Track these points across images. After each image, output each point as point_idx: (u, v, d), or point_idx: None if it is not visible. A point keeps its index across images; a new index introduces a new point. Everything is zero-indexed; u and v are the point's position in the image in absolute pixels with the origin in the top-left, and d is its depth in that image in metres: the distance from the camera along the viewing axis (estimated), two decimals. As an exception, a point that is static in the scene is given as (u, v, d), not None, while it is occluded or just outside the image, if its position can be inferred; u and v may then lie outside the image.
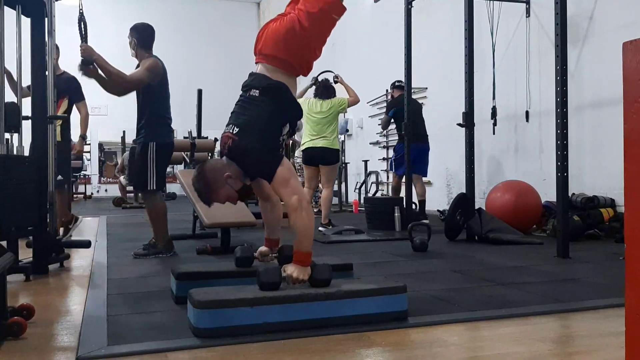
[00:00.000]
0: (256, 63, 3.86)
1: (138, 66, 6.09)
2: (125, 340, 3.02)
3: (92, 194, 21.15)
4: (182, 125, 21.00)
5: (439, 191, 11.43)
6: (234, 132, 3.54)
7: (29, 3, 5.12)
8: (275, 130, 3.64)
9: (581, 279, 4.70)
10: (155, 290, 4.36)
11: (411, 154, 8.85)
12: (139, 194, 13.02)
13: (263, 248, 4.10)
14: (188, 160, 8.54)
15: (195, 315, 3.09)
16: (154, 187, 6.02)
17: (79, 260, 5.79)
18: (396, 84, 10.11)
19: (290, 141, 11.61)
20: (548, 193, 8.10)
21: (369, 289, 3.36)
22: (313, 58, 3.84)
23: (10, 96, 4.95)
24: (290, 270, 3.40)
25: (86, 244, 5.67)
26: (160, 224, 6.12)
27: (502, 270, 5.11)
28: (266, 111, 3.58)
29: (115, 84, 5.68)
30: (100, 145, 22.63)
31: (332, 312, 3.22)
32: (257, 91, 3.64)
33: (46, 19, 5.30)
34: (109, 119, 21.00)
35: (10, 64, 5.35)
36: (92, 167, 22.03)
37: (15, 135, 4.88)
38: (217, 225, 6.16)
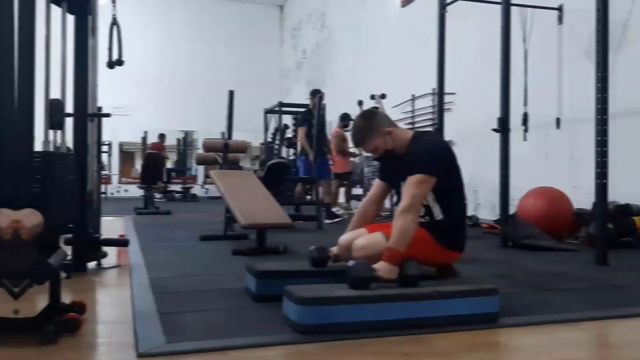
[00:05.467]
0: None
1: None
2: (184, 338, 3.02)
3: (112, 193, 21.16)
4: (206, 125, 21.14)
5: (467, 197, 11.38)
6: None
7: (74, 0, 5.13)
8: None
9: (627, 286, 4.66)
10: (199, 289, 4.37)
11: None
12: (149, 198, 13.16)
13: (336, 249, 4.12)
14: (221, 161, 8.55)
15: (297, 311, 3.12)
16: None
17: (115, 259, 5.75)
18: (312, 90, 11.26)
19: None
20: (579, 200, 8.06)
21: (463, 290, 3.40)
22: None
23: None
24: (380, 267, 3.41)
25: (125, 243, 5.67)
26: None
27: (544, 276, 5.08)
28: None
29: None
30: (121, 146, 22.62)
31: (427, 312, 3.24)
32: None
33: (90, 17, 5.32)
34: (131, 120, 21.02)
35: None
36: (112, 167, 22.02)
37: (59, 132, 4.90)
38: (253, 225, 6.13)
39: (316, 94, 10.54)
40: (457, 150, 10.13)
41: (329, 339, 3.00)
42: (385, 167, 4.30)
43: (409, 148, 3.96)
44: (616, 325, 3.54)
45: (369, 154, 4.55)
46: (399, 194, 4.11)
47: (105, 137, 21.31)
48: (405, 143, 3.98)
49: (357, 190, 13.98)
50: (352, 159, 12.84)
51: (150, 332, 3.12)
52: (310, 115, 10.63)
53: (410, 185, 3.72)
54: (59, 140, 4.87)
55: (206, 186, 21.24)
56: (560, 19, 9.07)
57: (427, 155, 3.84)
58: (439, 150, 3.97)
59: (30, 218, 3.10)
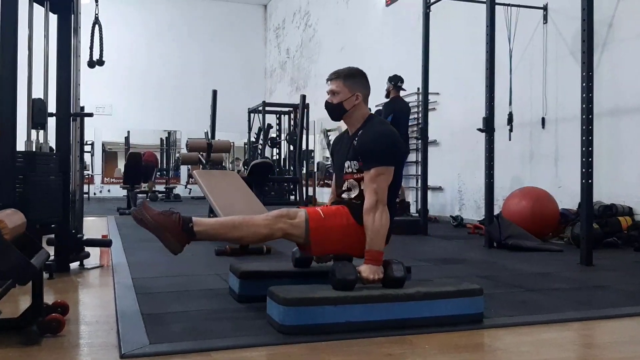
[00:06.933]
0: None
1: None
2: (167, 339, 3.00)
3: (95, 193, 21.07)
4: (189, 125, 21.09)
5: (450, 197, 11.39)
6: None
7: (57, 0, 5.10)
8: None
9: (611, 286, 4.66)
10: (182, 290, 4.36)
11: None
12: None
13: None
14: (204, 161, 8.51)
15: (281, 312, 3.12)
16: None
17: (97, 259, 5.70)
18: (397, 83, 9.83)
19: None
20: (563, 200, 8.08)
21: (448, 291, 3.40)
22: None
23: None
24: (364, 270, 3.38)
25: (108, 243, 5.63)
26: None
27: (528, 277, 5.08)
28: None
29: None
30: (103, 145, 22.51)
31: (411, 313, 3.24)
32: None
33: (72, 16, 5.28)
34: (113, 119, 20.95)
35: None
36: (95, 167, 21.92)
37: (41, 132, 4.88)
38: (237, 226, 6.10)
39: (399, 80, 9.77)
40: (441, 150, 10.17)
41: (313, 340, 2.99)
42: (334, 153, 4.04)
43: (362, 126, 3.74)
44: (601, 325, 3.54)
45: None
46: (341, 171, 3.86)
47: (87, 137, 21.35)
48: (361, 119, 3.76)
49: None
50: None
51: (133, 333, 3.09)
52: (395, 106, 9.72)
53: (370, 180, 3.53)
54: (41, 140, 4.84)
55: (189, 186, 21.17)
56: (545, 19, 9.09)
57: (384, 144, 3.58)
58: (394, 139, 3.65)
59: (12, 218, 3.07)
